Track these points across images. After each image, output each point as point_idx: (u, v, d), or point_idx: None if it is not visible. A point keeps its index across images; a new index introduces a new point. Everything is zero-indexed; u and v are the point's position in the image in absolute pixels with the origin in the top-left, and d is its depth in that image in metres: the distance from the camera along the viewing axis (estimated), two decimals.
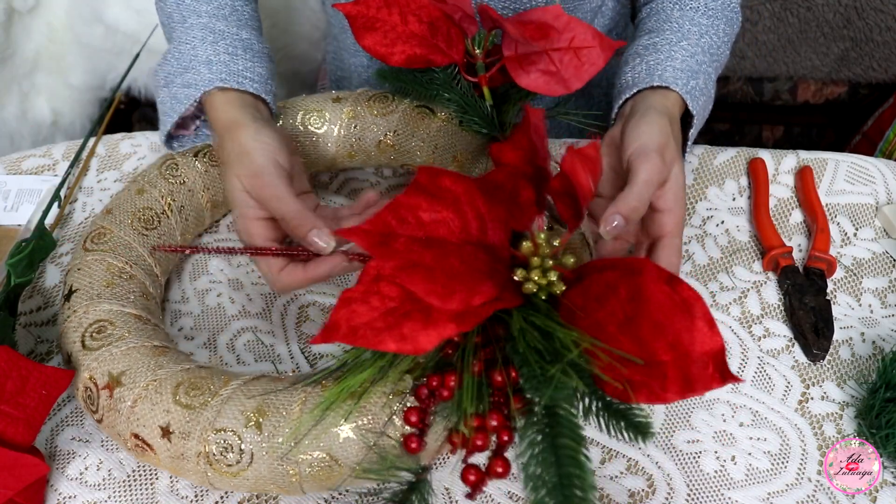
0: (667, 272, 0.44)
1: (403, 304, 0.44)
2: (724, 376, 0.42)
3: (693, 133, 0.69)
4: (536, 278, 0.47)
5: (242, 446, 0.51)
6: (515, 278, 0.47)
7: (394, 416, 0.51)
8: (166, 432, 0.52)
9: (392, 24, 0.65)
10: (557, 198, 0.52)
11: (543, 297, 0.47)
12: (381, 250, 0.43)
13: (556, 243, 0.49)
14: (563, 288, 0.47)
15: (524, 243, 0.48)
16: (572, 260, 0.49)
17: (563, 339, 0.44)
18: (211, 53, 0.66)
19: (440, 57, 0.66)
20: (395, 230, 0.44)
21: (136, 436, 0.53)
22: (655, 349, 0.43)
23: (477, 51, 0.67)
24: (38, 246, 0.66)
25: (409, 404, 0.50)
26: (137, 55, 1.00)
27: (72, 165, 0.79)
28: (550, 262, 0.48)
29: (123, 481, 0.58)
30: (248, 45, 0.68)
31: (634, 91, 0.66)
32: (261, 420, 0.51)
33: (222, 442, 0.51)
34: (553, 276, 0.47)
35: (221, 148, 0.62)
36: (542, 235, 0.48)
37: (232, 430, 0.51)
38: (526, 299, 0.47)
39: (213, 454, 0.51)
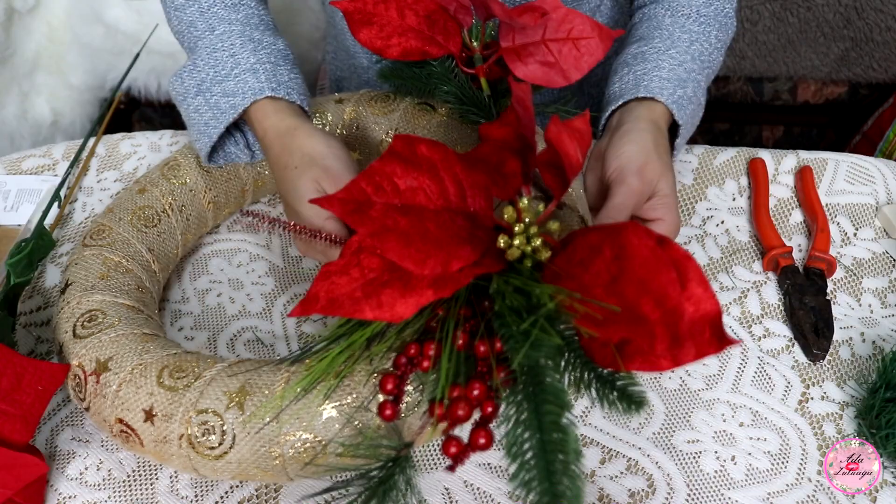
0: (655, 233, 0.43)
1: (383, 273, 0.44)
2: (722, 341, 0.40)
3: (680, 142, 0.68)
4: (519, 244, 0.46)
5: (224, 427, 0.50)
6: (499, 246, 0.47)
7: (378, 395, 0.50)
8: (149, 415, 0.52)
9: (389, 18, 0.65)
10: (544, 168, 0.51)
11: (529, 265, 0.47)
12: (357, 218, 0.43)
13: (540, 209, 0.48)
14: (549, 254, 0.47)
15: (506, 209, 0.47)
16: (556, 225, 0.48)
17: (539, 295, 0.44)
18: (254, 62, 0.65)
19: (437, 49, 0.66)
20: (370, 198, 0.44)
21: (121, 420, 0.53)
22: (641, 307, 0.42)
23: (474, 43, 0.66)
24: (37, 246, 0.67)
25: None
26: (137, 55, 1.00)
27: (72, 165, 0.79)
28: (534, 229, 0.47)
29: (123, 481, 0.58)
30: (285, 55, 0.68)
31: (621, 102, 0.66)
32: (243, 400, 0.50)
33: (204, 423, 0.51)
34: (537, 242, 0.47)
35: (288, 153, 0.62)
36: (526, 201, 0.48)
37: (213, 411, 0.51)
38: (510, 266, 0.47)
39: (196, 436, 0.51)
